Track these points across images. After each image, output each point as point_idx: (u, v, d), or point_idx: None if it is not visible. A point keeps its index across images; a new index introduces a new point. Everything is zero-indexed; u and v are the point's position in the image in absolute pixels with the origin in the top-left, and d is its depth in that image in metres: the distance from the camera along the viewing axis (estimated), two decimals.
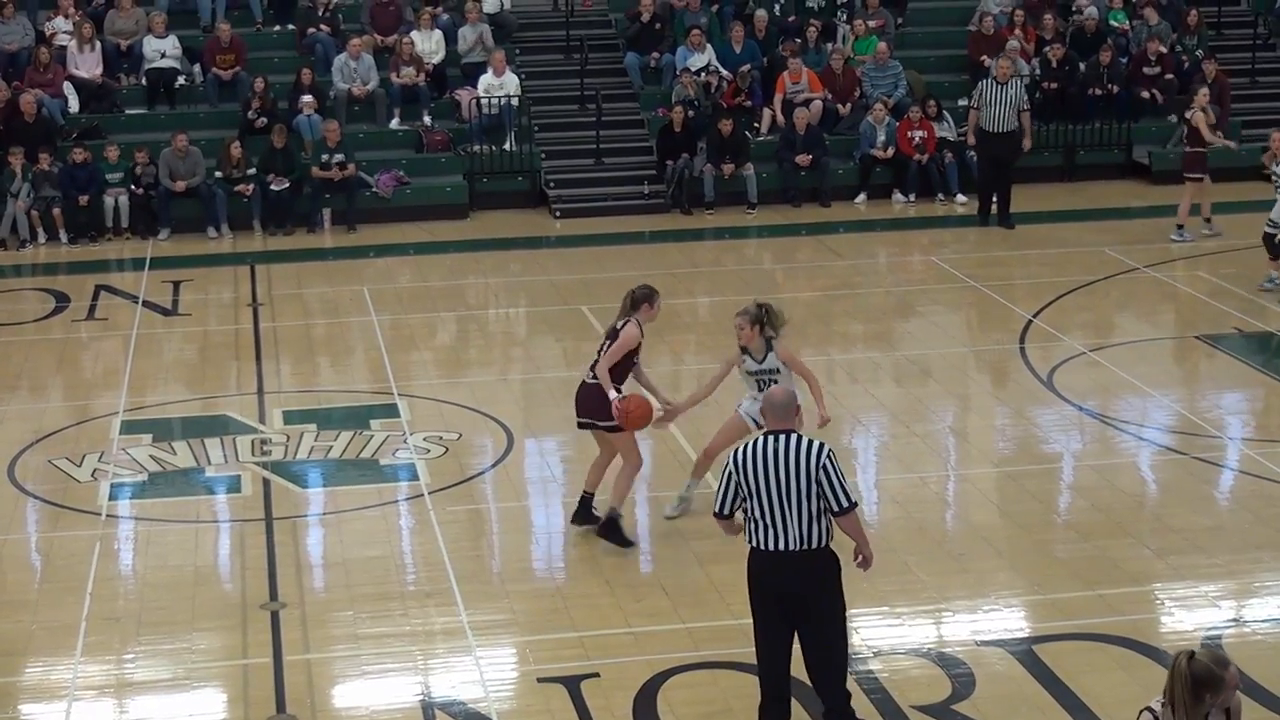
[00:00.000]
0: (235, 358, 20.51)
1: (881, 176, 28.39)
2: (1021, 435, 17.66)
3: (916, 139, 28.12)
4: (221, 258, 25.55)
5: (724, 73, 29.35)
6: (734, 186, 27.79)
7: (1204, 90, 26.29)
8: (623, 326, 14.83)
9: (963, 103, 28.78)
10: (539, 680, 12.46)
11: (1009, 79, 26.37)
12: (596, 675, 12.45)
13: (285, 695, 12.28)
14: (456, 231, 26.76)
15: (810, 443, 10.75)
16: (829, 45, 30.21)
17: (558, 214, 27.56)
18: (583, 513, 15.13)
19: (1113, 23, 31.30)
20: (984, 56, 29.89)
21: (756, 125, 29.07)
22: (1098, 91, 29.60)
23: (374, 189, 27.21)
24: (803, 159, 27.84)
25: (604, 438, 14.91)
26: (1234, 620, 13.31)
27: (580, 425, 14.96)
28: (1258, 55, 31.53)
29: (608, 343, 14.85)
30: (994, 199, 26.54)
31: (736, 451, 10.90)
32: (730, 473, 10.87)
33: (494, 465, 16.80)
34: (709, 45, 29.63)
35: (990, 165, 26.67)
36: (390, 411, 18.36)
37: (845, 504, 10.72)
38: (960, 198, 27.87)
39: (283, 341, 21.12)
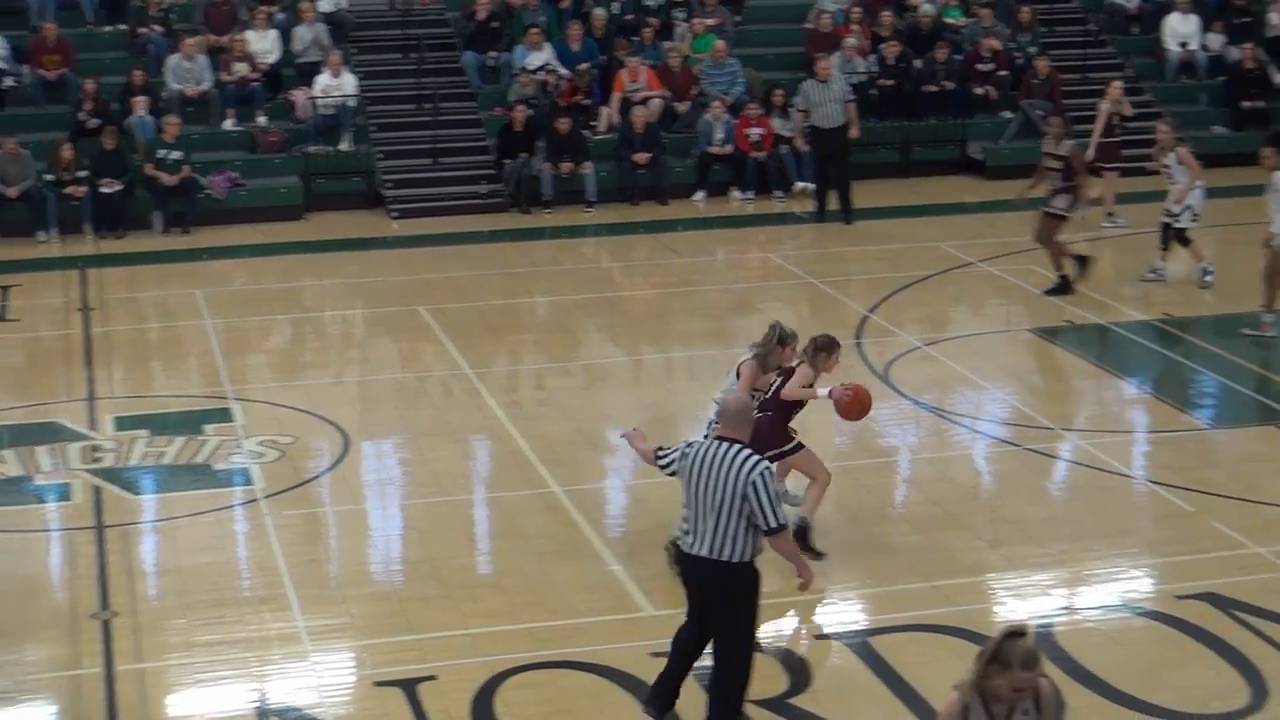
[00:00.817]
0: (65, 363, 20.25)
1: (719, 174, 28.52)
2: (857, 430, 17.76)
3: (754, 136, 28.27)
4: (51, 261, 25.22)
5: (562, 71, 29.36)
6: (572, 185, 27.80)
7: (1117, 83, 26.66)
8: (798, 365, 14.37)
9: (793, 101, 28.97)
10: (376, 684, 12.40)
11: (830, 76, 26.65)
12: (434, 678, 12.41)
13: (117, 705, 12.14)
14: (292, 233, 26.59)
15: (748, 458, 10.81)
16: (667, 43, 30.31)
17: (395, 214, 27.46)
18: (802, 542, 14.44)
19: (948, 19, 31.62)
20: (820, 54, 30.08)
21: (594, 124, 29.10)
22: (933, 88, 29.91)
23: (208, 190, 26.96)
24: (641, 157, 27.91)
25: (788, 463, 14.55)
26: (1065, 609, 13.49)
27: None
28: (1089, 51, 31.96)
29: (779, 379, 14.33)
30: (828, 196, 26.75)
31: (692, 445, 11.11)
32: (681, 454, 11.10)
33: (330, 468, 16.70)
34: (547, 44, 29.62)
35: (825, 162, 26.90)
36: (224, 416, 18.20)
37: (773, 524, 10.79)
38: (802, 185, 28.06)
39: (115, 346, 20.88)
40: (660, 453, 11.56)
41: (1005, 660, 8.76)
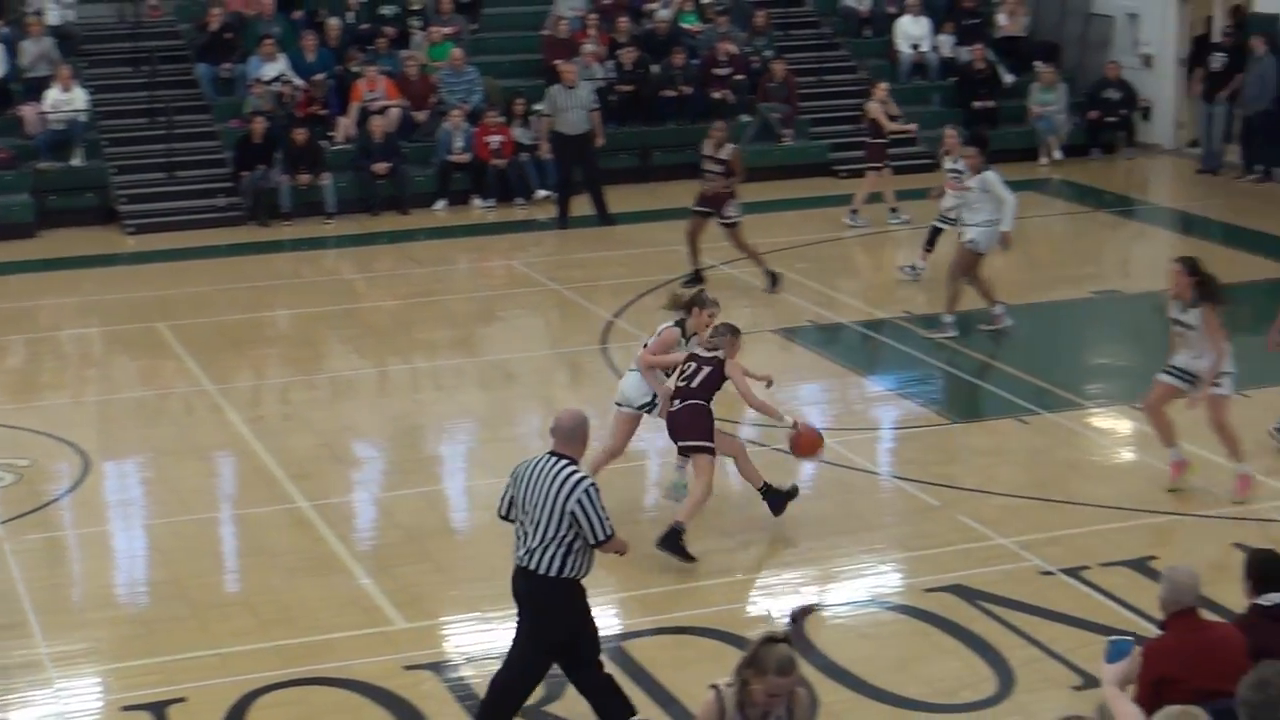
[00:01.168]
0: None
1: (460, 182, 28.44)
2: (606, 433, 17.82)
3: (494, 144, 28.24)
4: None
5: (297, 82, 29.08)
6: (311, 197, 27.55)
7: (881, 85, 26.96)
8: (725, 360, 14.68)
9: (538, 107, 29.02)
10: (124, 709, 12.18)
11: (577, 82, 26.75)
12: (184, 700, 12.21)
13: None
14: (24, 251, 26.01)
15: (571, 475, 10.88)
16: (404, 52, 30.17)
17: (130, 230, 27.00)
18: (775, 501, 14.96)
19: (684, 25, 31.84)
20: (559, 60, 30.15)
21: (332, 134, 28.87)
22: (671, 93, 30.10)
23: None
24: (380, 167, 27.73)
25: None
26: (815, 605, 13.62)
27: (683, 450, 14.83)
28: (824, 55, 32.39)
29: (706, 370, 14.62)
30: (571, 203, 26.82)
31: (520, 464, 11.18)
32: (509, 482, 11.19)
33: (70, 490, 16.36)
34: (282, 54, 29.32)
35: (570, 169, 26.97)
36: None
37: (602, 537, 10.94)
38: (545, 192, 28.10)
39: None
40: (501, 513, 11.42)
41: (761, 666, 8.84)
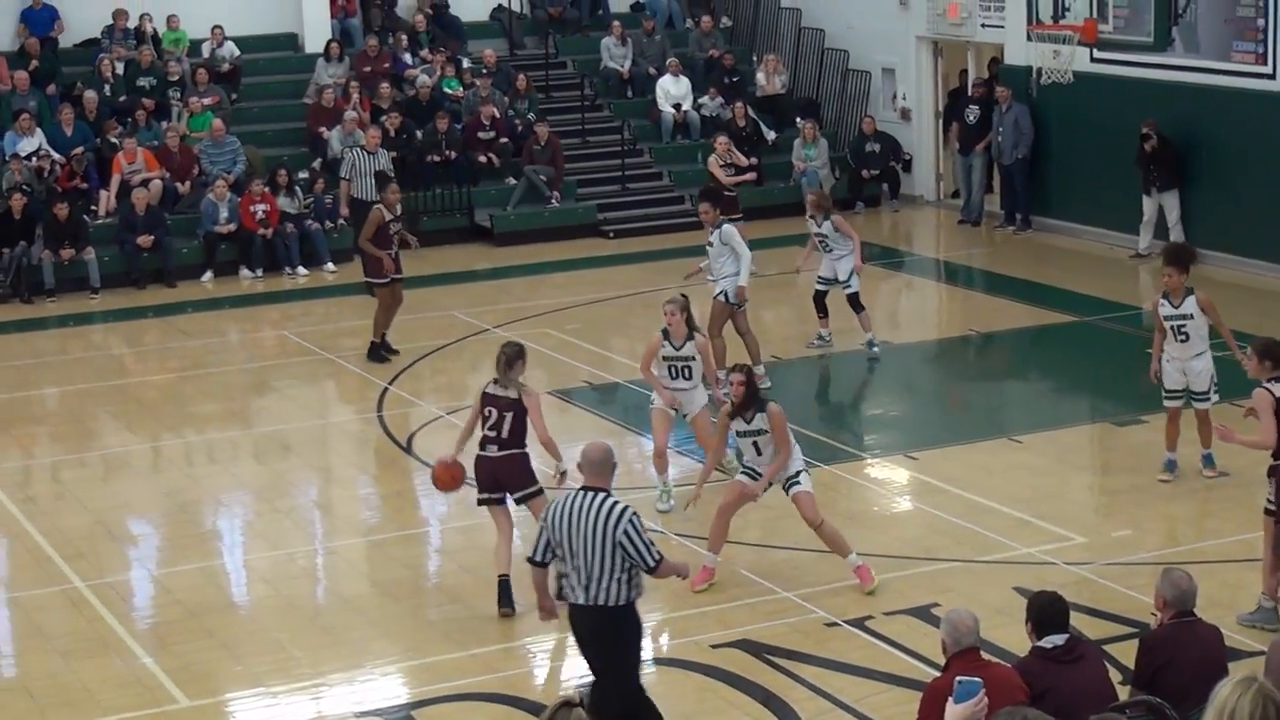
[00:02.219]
0: None
1: (227, 253, 28.18)
2: (386, 503, 17.78)
3: (260, 213, 28.03)
4: None
5: (56, 156, 28.67)
6: (75, 272, 27.15)
7: (722, 138, 27.04)
8: (521, 391, 14.61)
9: (304, 175, 28.90)
10: None
11: (377, 149, 26.54)
12: None
13: None
14: None
15: (614, 506, 11.20)
16: (164, 124, 29.88)
17: None
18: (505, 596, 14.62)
19: (446, 90, 31.88)
20: (323, 128, 30.06)
21: (94, 208, 28.49)
22: (436, 158, 30.10)
23: None
24: (144, 240, 27.40)
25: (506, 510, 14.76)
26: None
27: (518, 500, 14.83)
28: (587, 115, 32.59)
29: (509, 415, 14.53)
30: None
31: (552, 504, 11.49)
32: (543, 526, 11.46)
33: None
34: (39, 129, 28.89)
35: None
36: None
37: (652, 563, 11.30)
38: (302, 270, 27.90)
39: None
40: (535, 557, 11.58)
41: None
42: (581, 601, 11.30)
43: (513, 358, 14.69)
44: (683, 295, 17.08)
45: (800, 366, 22.09)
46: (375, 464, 19.00)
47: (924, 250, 30.12)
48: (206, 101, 30.34)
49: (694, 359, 16.80)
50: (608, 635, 11.42)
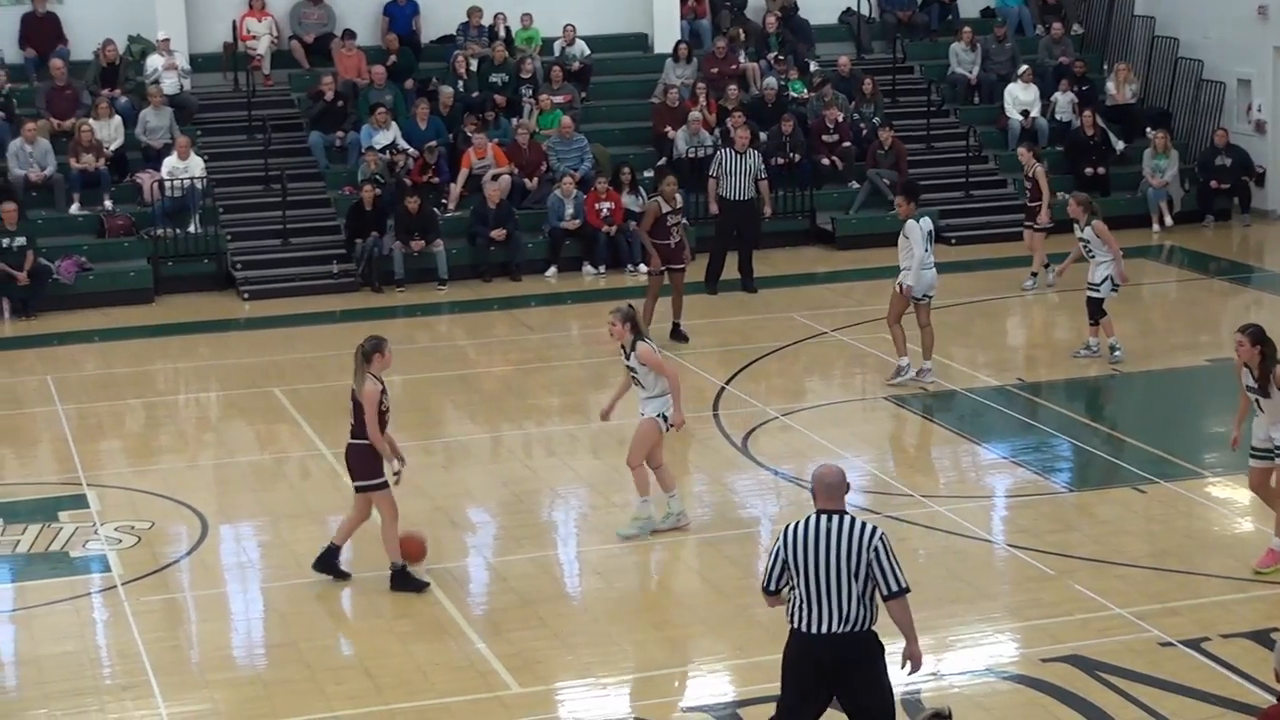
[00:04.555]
0: None
1: (571, 249, 28.56)
2: (719, 501, 17.86)
3: (604, 211, 28.34)
4: None
5: (409, 150, 29.32)
6: (424, 263, 27.74)
7: (1023, 147, 27.41)
8: (361, 387, 15.20)
9: (648, 174, 29.16)
10: None
11: (747, 148, 26.64)
12: None
13: None
14: (142, 316, 26.32)
15: (864, 525, 10.81)
16: (514, 120, 30.37)
17: (246, 296, 27.28)
18: (326, 561, 15.59)
19: (792, 93, 31.91)
20: (668, 128, 30.29)
21: (445, 201, 29.08)
22: (779, 160, 30.13)
23: (56, 276, 26.63)
24: (497, 233, 27.87)
25: (365, 498, 15.39)
26: (932, 674, 13.52)
27: (356, 490, 15.47)
28: (932, 121, 32.37)
29: (353, 406, 15.27)
30: (723, 267, 26.74)
31: (787, 529, 10.92)
32: (778, 550, 10.91)
33: (189, 553, 16.52)
34: (394, 123, 29.58)
35: (728, 234, 26.76)
36: (79, 502, 17.97)
37: (897, 587, 10.79)
38: (644, 267, 28.12)
39: None
40: (768, 587, 11.10)
41: None
42: (836, 631, 10.73)
43: (369, 352, 15.41)
44: (628, 305, 16.89)
45: (1142, 380, 21.70)
46: (710, 462, 19.08)
47: (1275, 265, 29.30)
48: (558, 99, 30.75)
49: (637, 370, 16.66)
50: (865, 664, 10.84)
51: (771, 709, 12.85)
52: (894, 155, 30.35)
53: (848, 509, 10.98)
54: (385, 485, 15.29)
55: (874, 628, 10.87)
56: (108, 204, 28.25)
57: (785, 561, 10.88)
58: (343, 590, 15.65)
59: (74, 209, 28.22)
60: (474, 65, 31.18)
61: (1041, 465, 18.60)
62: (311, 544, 16.51)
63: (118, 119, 29.13)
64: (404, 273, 27.66)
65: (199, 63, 31.26)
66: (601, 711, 13.04)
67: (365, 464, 15.26)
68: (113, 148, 28.81)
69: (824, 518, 10.86)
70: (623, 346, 16.68)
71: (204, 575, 15.98)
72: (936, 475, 18.70)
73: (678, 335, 23.72)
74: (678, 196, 23.61)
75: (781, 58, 32.66)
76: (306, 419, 20.60)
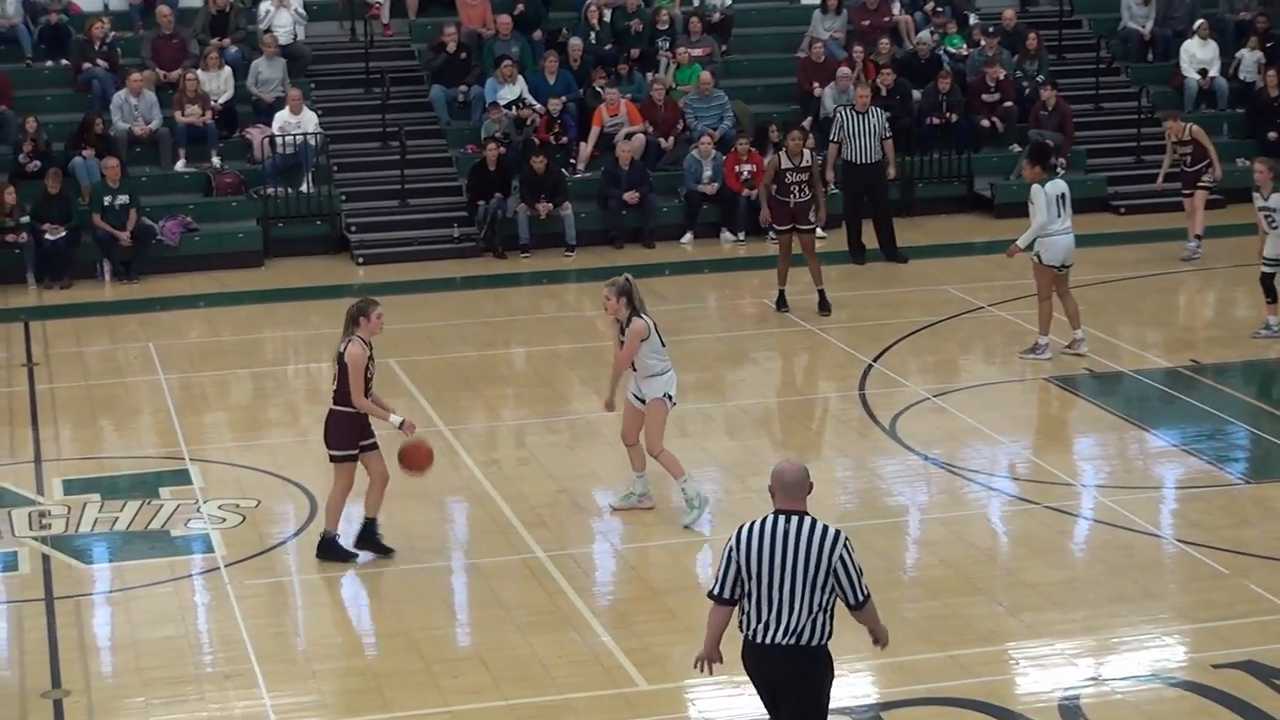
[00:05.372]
0: (9, 423, 20.18)
1: (708, 214, 28.52)
2: (864, 488, 17.78)
3: (745, 173, 28.27)
4: None
5: (536, 106, 29.37)
6: (551, 227, 27.80)
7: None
8: (345, 349, 15.44)
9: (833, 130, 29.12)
10: None
11: (868, 107, 26.54)
12: None
13: None
14: (251, 281, 26.56)
15: (826, 529, 10.51)
16: (649, 75, 30.35)
17: (360, 260, 27.46)
18: (367, 539, 15.87)
19: (949, 48, 31.71)
20: (815, 84, 30.18)
21: (573, 161, 29.11)
22: (934, 121, 29.94)
23: (159, 237, 26.92)
24: (630, 196, 27.86)
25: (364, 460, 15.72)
26: (1093, 679, 13.44)
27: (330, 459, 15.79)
28: (1101, 80, 32.07)
29: (334, 368, 15.60)
30: (862, 235, 26.70)
31: (742, 529, 10.64)
32: (730, 551, 10.58)
33: (296, 534, 16.65)
34: (520, 77, 29.64)
35: (858, 200, 26.75)
36: (181, 478, 18.16)
37: (863, 597, 10.57)
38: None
39: (61, 404, 20.82)
40: (719, 594, 10.72)
41: None
42: (785, 642, 10.45)
43: (355, 315, 15.63)
44: (625, 278, 16.67)
45: None
46: (855, 446, 19.00)
47: None
48: (696, 53, 30.70)
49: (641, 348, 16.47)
50: (811, 679, 10.61)
51: (918, 711, 12.88)
52: (1058, 116, 30.08)
53: (809, 510, 10.68)
54: (354, 459, 15.59)
55: (827, 644, 10.57)
56: (215, 161, 28.51)
57: (738, 565, 10.55)
58: (458, 577, 15.72)
59: (180, 166, 28.52)
60: (607, 15, 31.20)
61: (1215, 454, 18.40)
62: (427, 525, 16.66)
63: (227, 70, 29.38)
64: (529, 237, 27.72)
65: (314, 10, 31.49)
66: (734, 711, 13.01)
67: (341, 432, 15.58)
68: (221, 101, 29.07)
69: (782, 519, 10.54)
70: (618, 322, 16.53)
71: (311, 558, 16.07)
72: (1100, 463, 18.54)
73: (822, 305, 23.68)
74: (805, 153, 23.62)
75: (939, 10, 32.47)
76: (423, 392, 20.70)
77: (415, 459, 15.54)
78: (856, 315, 23.91)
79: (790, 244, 23.72)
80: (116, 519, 17.05)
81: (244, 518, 16.97)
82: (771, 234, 24.20)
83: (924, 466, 18.24)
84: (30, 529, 16.84)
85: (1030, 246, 21.26)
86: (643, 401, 16.63)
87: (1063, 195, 21.19)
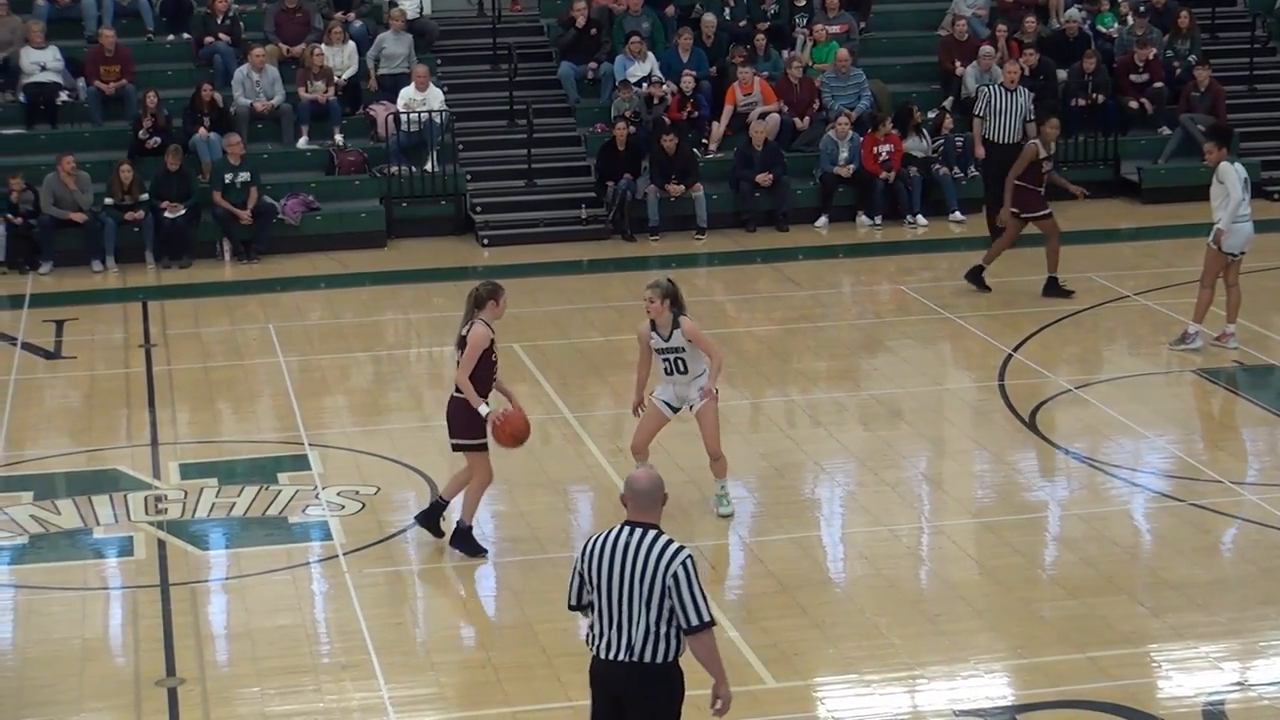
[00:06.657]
0: (126, 405, 20.41)
1: (844, 197, 28.47)
2: (1002, 482, 17.71)
3: (883, 155, 28.20)
4: (109, 293, 25.47)
5: (668, 84, 29.38)
6: (681, 209, 27.83)
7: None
8: (469, 330, 15.43)
9: (932, 115, 28.93)
10: None
11: (1017, 86, 26.34)
12: None
13: None
14: (373, 262, 26.74)
15: (668, 545, 10.24)
16: (785, 53, 30.30)
17: (485, 241, 27.58)
18: (429, 516, 16.02)
19: (1100, 27, 31.48)
20: (957, 63, 30.04)
21: (705, 141, 29.12)
22: (1080, 102, 29.74)
23: (280, 215, 27.14)
24: (763, 178, 27.85)
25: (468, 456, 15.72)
26: (1238, 684, 13.33)
27: (454, 448, 15.80)
28: (1256, 60, 31.75)
29: (458, 353, 15.51)
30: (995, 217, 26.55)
31: (590, 540, 10.49)
32: (576, 561, 10.48)
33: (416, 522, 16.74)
34: (651, 54, 29.67)
35: (999, 180, 26.49)
36: (300, 463, 18.29)
37: (696, 621, 10.17)
38: (922, 220, 27.92)
39: (179, 386, 21.04)
40: (572, 603, 10.57)
41: None
42: (624, 659, 10.26)
43: (483, 298, 15.57)
44: (668, 280, 16.46)
45: None
46: (993, 438, 18.92)
47: None
48: (834, 30, 30.62)
49: (683, 349, 16.28)
50: (654, 698, 10.34)
51: (1055, 714, 12.81)
52: (1211, 98, 29.83)
53: (659, 523, 10.43)
54: (484, 448, 15.57)
55: (674, 661, 10.32)
56: (338, 138, 28.72)
57: (581, 576, 10.41)
58: None
59: (302, 143, 28.75)
60: None
61: None
62: (550, 514, 16.72)
63: (351, 45, 29.57)
64: (659, 219, 27.76)
65: None
66: (866, 711, 12.99)
67: (466, 420, 15.51)
68: (345, 76, 29.27)
69: (627, 530, 10.33)
70: (654, 325, 16.31)
71: (432, 547, 16.16)
72: (1250, 460, 18.39)
73: (1052, 289, 23.85)
74: (1054, 144, 23.74)
75: None
76: (548, 379, 20.78)
77: (507, 429, 15.52)
78: (997, 301, 23.79)
79: (1020, 229, 23.86)
80: (233, 504, 17.21)
81: (363, 505, 17.08)
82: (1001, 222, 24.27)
83: (1064, 460, 18.15)
84: (146, 513, 17.03)
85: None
86: (675, 410, 16.63)
87: (1247, 179, 21.07)
